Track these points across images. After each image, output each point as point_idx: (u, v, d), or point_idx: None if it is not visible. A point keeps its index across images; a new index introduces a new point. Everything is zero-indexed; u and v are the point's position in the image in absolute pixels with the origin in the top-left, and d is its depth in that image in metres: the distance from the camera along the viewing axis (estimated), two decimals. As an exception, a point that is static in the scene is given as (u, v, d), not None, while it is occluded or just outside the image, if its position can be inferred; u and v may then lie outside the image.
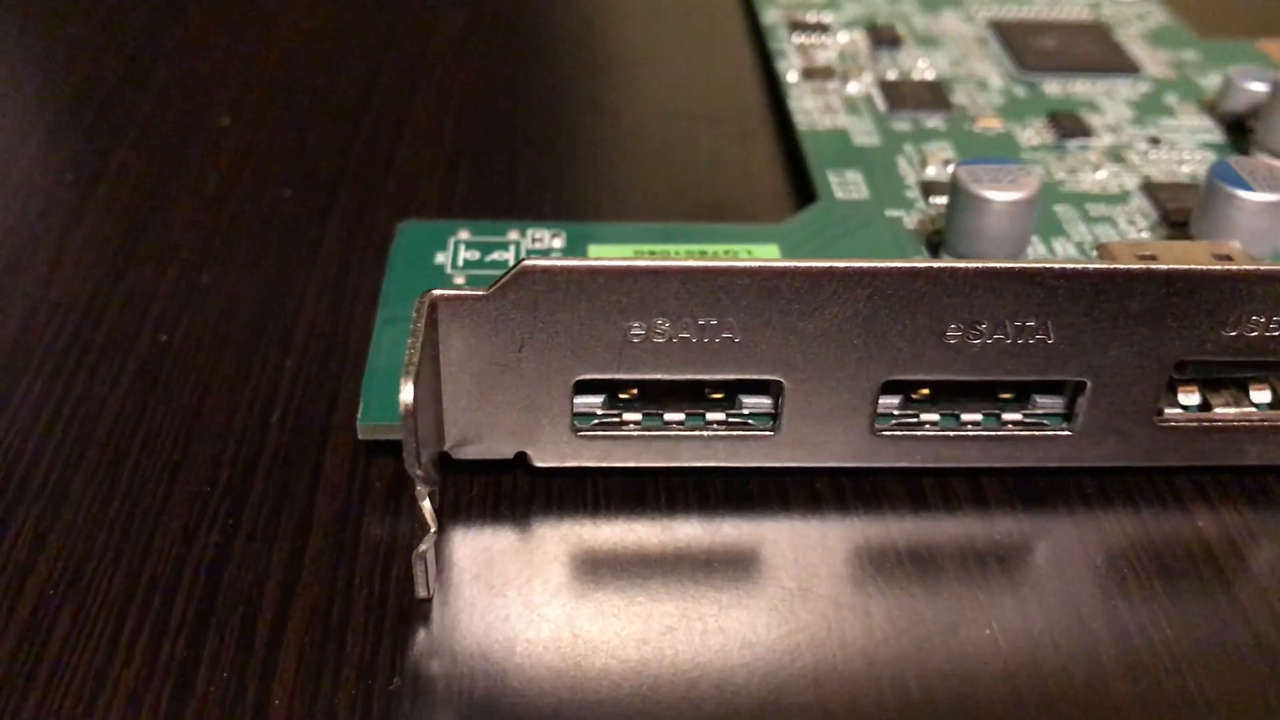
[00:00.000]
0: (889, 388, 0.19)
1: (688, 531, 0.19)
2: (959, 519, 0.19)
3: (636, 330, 0.18)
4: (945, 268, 0.18)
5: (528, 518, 0.19)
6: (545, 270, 0.17)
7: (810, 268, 0.18)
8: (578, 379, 0.18)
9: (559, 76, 0.31)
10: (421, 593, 0.18)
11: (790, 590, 0.18)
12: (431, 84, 0.30)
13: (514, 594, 0.18)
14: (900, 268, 0.18)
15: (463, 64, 0.31)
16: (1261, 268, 0.18)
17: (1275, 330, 0.19)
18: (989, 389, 0.20)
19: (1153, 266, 0.18)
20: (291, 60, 0.31)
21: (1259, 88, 0.27)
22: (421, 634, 0.17)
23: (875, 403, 0.19)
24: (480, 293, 0.17)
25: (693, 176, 0.27)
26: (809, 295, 0.18)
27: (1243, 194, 0.22)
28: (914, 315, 0.18)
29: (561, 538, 0.19)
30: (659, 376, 0.18)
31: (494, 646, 0.17)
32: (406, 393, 0.16)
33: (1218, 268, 0.18)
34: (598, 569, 0.18)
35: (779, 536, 0.19)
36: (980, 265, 0.18)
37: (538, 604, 0.18)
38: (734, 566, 0.19)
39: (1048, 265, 0.18)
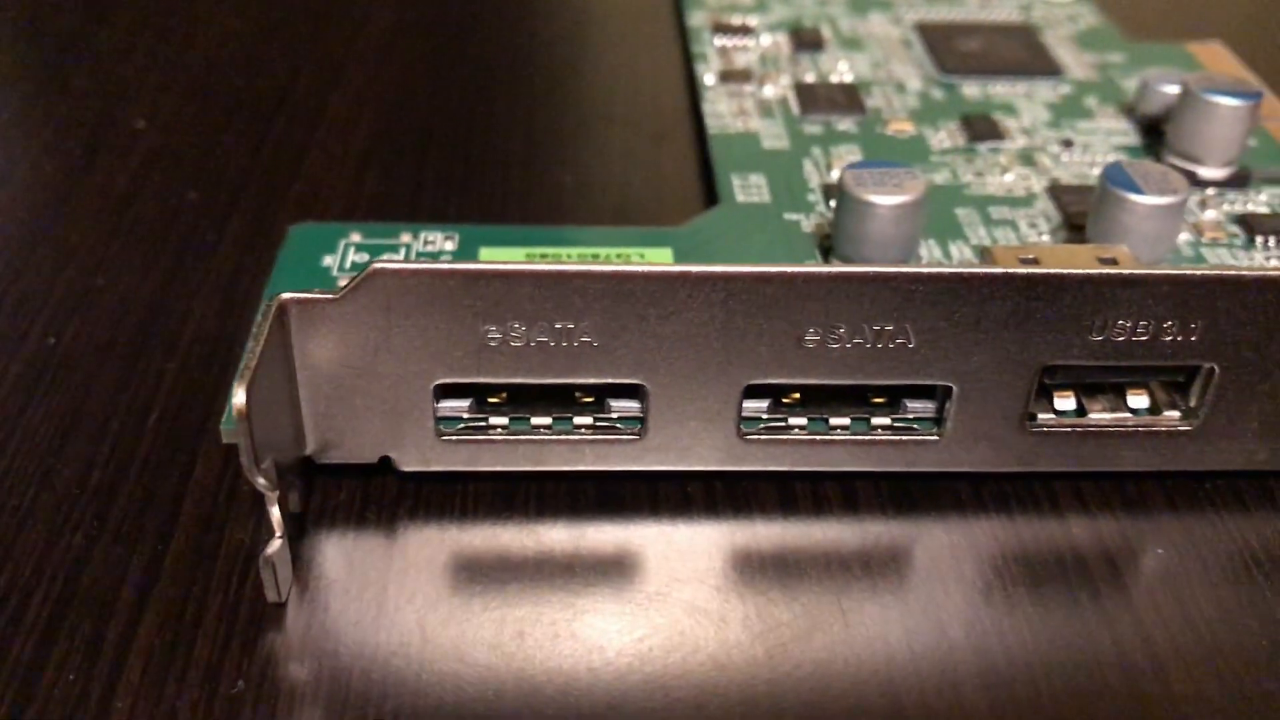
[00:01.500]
0: (756, 392, 0.19)
1: (554, 536, 0.19)
2: (828, 524, 0.19)
3: (493, 334, 0.18)
4: (798, 272, 0.18)
5: (394, 522, 0.19)
6: (395, 273, 0.17)
7: (662, 272, 0.17)
8: (438, 383, 0.18)
9: (480, 79, 0.31)
10: (272, 597, 0.18)
11: (649, 595, 0.18)
12: (350, 86, 0.30)
13: (370, 598, 0.18)
14: (752, 272, 0.17)
15: (385, 66, 0.31)
16: (1121, 271, 0.18)
17: (1143, 335, 0.18)
18: (862, 393, 0.20)
19: (1009, 270, 0.18)
20: (213, 62, 0.31)
21: (1172, 90, 0.27)
22: (271, 638, 0.17)
23: (740, 407, 0.19)
24: (331, 296, 0.17)
25: (602, 179, 0.27)
26: (663, 299, 0.18)
27: (1133, 197, 0.22)
28: (770, 319, 0.18)
29: (426, 542, 0.19)
30: (518, 381, 0.18)
31: (342, 651, 0.17)
32: (239, 397, 0.16)
33: (1075, 271, 0.18)
34: (458, 574, 0.18)
35: (646, 541, 0.19)
36: (833, 270, 0.18)
37: (392, 609, 0.18)
38: (597, 571, 0.18)
39: (901, 270, 0.18)
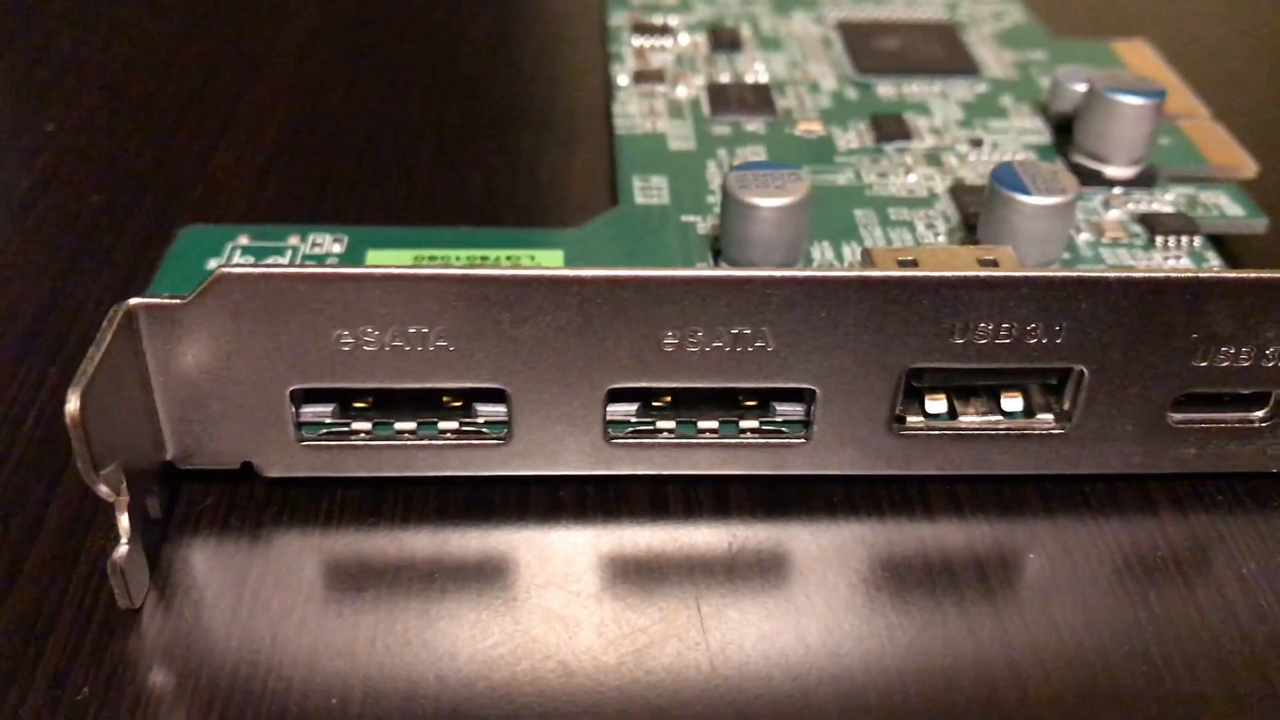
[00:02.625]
0: (623, 395, 0.19)
1: (419, 542, 0.19)
2: (697, 528, 0.19)
3: (345, 338, 0.18)
4: (651, 276, 0.17)
5: (258, 528, 0.19)
6: (242, 278, 0.17)
7: (514, 275, 0.17)
8: (294, 388, 0.18)
9: (398, 81, 0.31)
10: (123, 603, 0.17)
11: (507, 601, 0.18)
12: (265, 89, 0.30)
13: (226, 604, 0.18)
14: (605, 276, 0.17)
15: (302, 69, 0.31)
16: (978, 274, 0.18)
17: (1006, 338, 0.18)
18: (733, 396, 0.20)
19: (862, 273, 0.18)
20: (130, 64, 0.31)
21: (1081, 89, 0.27)
22: (121, 645, 0.17)
23: (604, 410, 0.19)
24: (178, 301, 0.17)
25: (510, 181, 0.27)
26: (518, 303, 0.17)
27: (1020, 198, 0.22)
28: (627, 323, 0.18)
29: (289, 548, 0.19)
30: (374, 386, 0.18)
31: (191, 657, 0.17)
32: (72, 403, 0.16)
33: (929, 274, 0.18)
34: (318, 580, 0.18)
35: (512, 546, 0.19)
36: (686, 273, 0.17)
37: (246, 615, 0.18)
38: (459, 577, 0.18)
39: (755, 273, 0.18)
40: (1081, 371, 0.19)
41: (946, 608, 0.18)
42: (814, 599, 0.18)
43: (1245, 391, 0.19)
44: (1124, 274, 0.18)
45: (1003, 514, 0.20)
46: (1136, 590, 0.19)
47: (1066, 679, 0.17)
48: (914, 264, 0.21)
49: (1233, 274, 0.18)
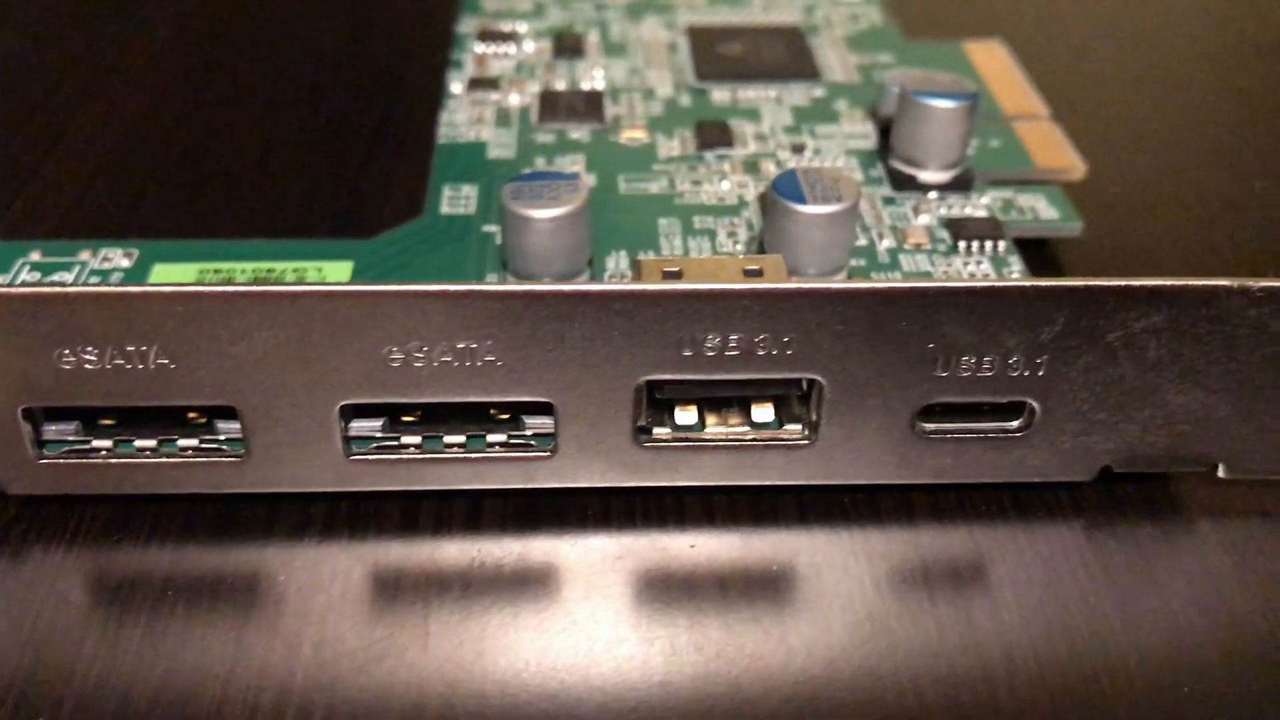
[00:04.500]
0: (367, 411, 0.19)
1: (161, 559, 0.19)
2: (445, 543, 0.19)
3: (67, 358, 0.18)
4: (365, 291, 0.17)
5: (3, 546, 0.19)
6: (-47, 299, 0.17)
7: (226, 292, 0.17)
8: (24, 407, 0.18)
9: (241, 93, 0.31)
10: None
11: (242, 617, 0.18)
12: (105, 102, 0.30)
13: (-46, 624, 0.18)
14: (319, 291, 0.17)
15: (147, 81, 0.31)
16: (696, 287, 0.18)
17: (735, 350, 0.18)
18: (485, 410, 0.19)
19: (583, 287, 0.17)
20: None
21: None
22: None
23: (340, 427, 0.19)
24: (-106, 322, 0.17)
25: (331, 190, 0.27)
26: (233, 320, 0.17)
27: (796, 206, 0.21)
28: (349, 339, 0.18)
29: (38, 565, 0.19)
30: (99, 404, 0.18)
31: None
32: None
33: (646, 287, 0.17)
34: (48, 600, 0.18)
35: (254, 564, 0.19)
36: (401, 288, 0.17)
37: (-26, 634, 0.18)
38: (191, 595, 0.18)
39: (473, 287, 0.17)
40: (820, 382, 0.19)
41: (679, 623, 0.18)
42: (547, 613, 0.18)
43: (999, 401, 0.19)
44: (849, 285, 0.18)
45: (755, 524, 0.20)
46: (880, 602, 0.18)
47: (781, 699, 0.17)
48: (679, 274, 0.21)
49: (962, 284, 0.18)
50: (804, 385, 0.19)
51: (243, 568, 0.19)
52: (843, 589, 0.19)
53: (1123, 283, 0.18)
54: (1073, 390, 0.19)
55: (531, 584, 0.19)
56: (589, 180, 0.26)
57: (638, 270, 0.21)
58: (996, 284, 0.18)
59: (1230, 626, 0.18)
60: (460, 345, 0.18)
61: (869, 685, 0.17)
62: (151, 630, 0.18)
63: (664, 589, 0.18)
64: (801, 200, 0.21)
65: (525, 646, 0.18)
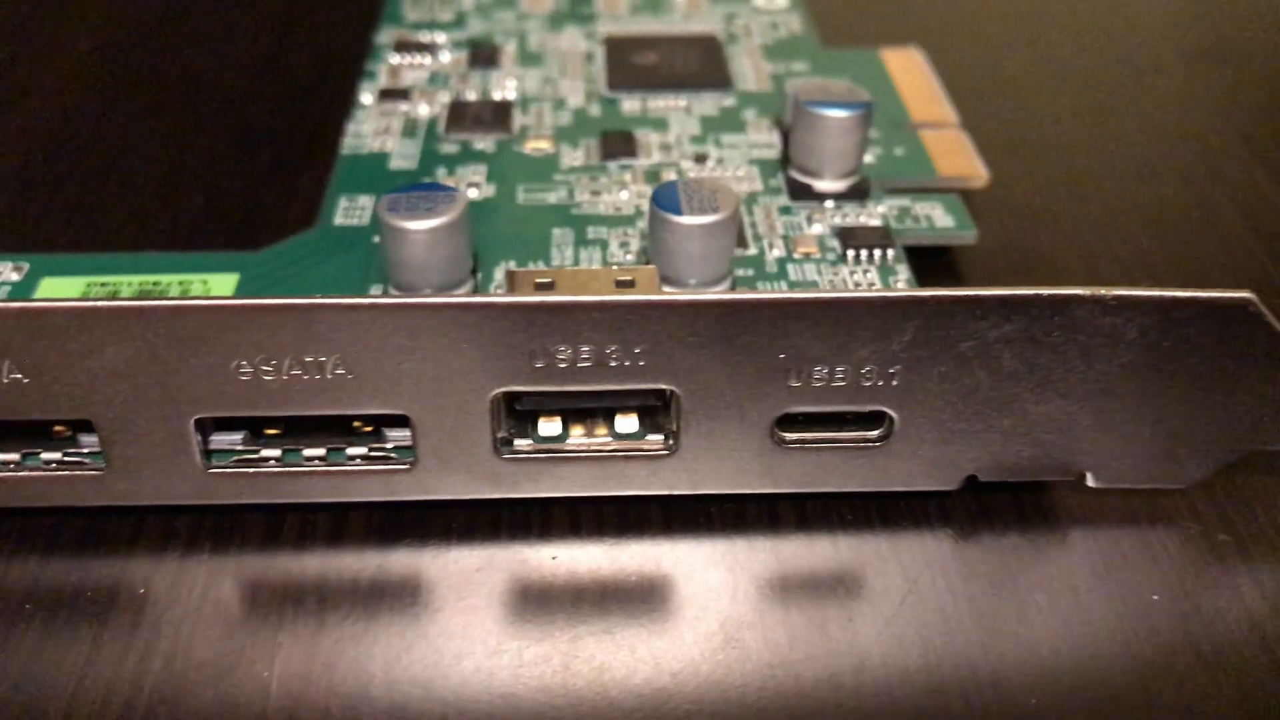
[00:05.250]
0: (230, 424, 0.19)
1: (14, 573, 0.19)
2: (307, 556, 0.19)
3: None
4: (209, 305, 0.17)
5: None
6: None
7: (71, 307, 0.17)
8: None
9: (160, 105, 0.31)
10: None
11: (84, 629, 0.18)
12: (24, 113, 0.30)
13: None
14: (164, 306, 0.17)
15: (65, 94, 0.31)
16: (543, 299, 0.18)
17: (587, 361, 0.18)
18: (348, 423, 0.20)
19: (429, 300, 0.18)
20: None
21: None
22: None
23: (197, 440, 0.19)
24: None
25: (234, 202, 0.27)
26: (82, 335, 0.17)
27: (671, 218, 0.21)
28: (195, 354, 0.18)
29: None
30: None
31: None
32: None
33: (494, 299, 0.18)
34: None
35: (118, 577, 0.19)
36: (243, 302, 0.17)
37: None
38: (47, 608, 0.18)
39: (315, 301, 0.17)
40: (674, 393, 0.19)
41: (528, 634, 0.18)
42: (396, 627, 0.18)
43: (856, 411, 0.19)
44: (696, 297, 0.18)
45: (619, 534, 0.20)
46: (734, 614, 0.18)
47: (638, 704, 0.17)
48: (551, 285, 0.21)
49: (810, 295, 0.18)
50: (665, 396, 0.19)
51: (104, 581, 0.19)
52: (699, 600, 0.19)
53: (972, 292, 0.18)
54: (929, 400, 0.19)
55: (388, 597, 0.19)
56: (488, 190, 0.26)
57: (511, 282, 0.21)
58: (844, 295, 0.18)
59: (1084, 637, 0.18)
60: (308, 359, 0.18)
61: (713, 698, 0.17)
62: (5, 644, 0.18)
63: (520, 602, 0.19)
64: (678, 211, 0.21)
65: (374, 660, 0.18)
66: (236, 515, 0.20)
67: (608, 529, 0.20)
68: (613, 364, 0.18)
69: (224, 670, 0.17)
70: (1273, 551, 0.20)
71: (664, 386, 0.18)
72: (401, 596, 0.19)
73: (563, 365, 0.18)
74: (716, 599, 0.19)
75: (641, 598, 0.19)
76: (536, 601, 0.18)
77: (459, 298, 0.18)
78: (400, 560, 0.19)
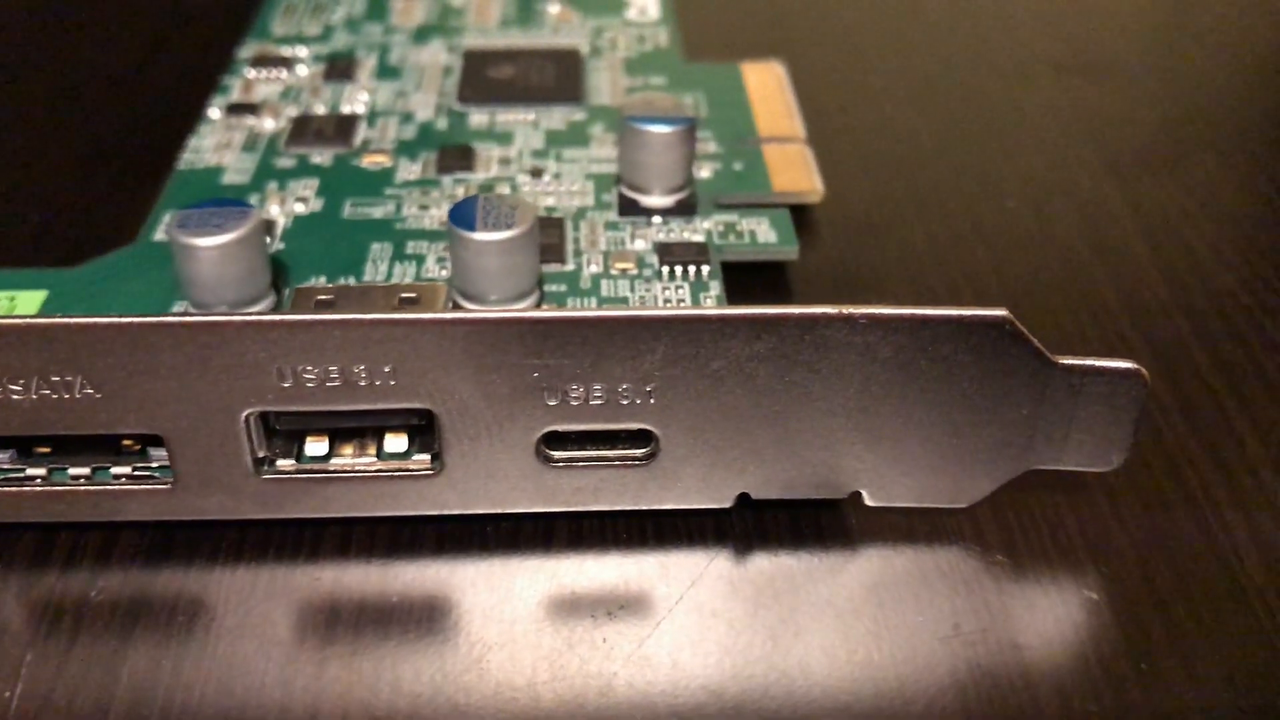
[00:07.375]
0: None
1: None
2: (72, 575, 0.19)
3: None
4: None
5: None
6: None
7: None
8: None
9: (17, 116, 0.31)
10: None
11: None
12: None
13: None
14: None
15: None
16: (285, 318, 0.17)
17: (336, 380, 0.18)
18: (116, 441, 0.19)
19: (160, 319, 0.17)
20: None
21: (633, 117, 0.26)
22: None
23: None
24: None
25: (69, 218, 0.27)
26: None
27: (464, 234, 0.21)
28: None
29: None
30: None
31: None
32: None
33: (239, 318, 0.17)
34: None
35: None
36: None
37: None
38: None
39: (55, 321, 0.17)
40: (432, 413, 0.18)
41: (275, 657, 0.18)
42: (150, 647, 0.18)
43: (618, 429, 0.19)
44: (439, 315, 0.18)
45: (387, 555, 0.19)
46: (484, 635, 0.18)
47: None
48: (332, 303, 0.21)
49: (558, 314, 0.18)
50: (429, 416, 0.19)
51: None
52: (452, 621, 0.18)
53: (719, 312, 0.18)
54: (690, 418, 0.19)
55: (142, 618, 0.18)
56: (316, 205, 0.26)
57: (293, 299, 0.21)
58: (589, 314, 0.18)
59: (839, 660, 0.18)
60: (55, 378, 0.18)
61: (439, 720, 0.17)
62: None
63: (268, 625, 0.18)
64: (473, 227, 0.21)
65: (119, 684, 0.17)
66: (12, 532, 0.20)
67: (378, 549, 0.20)
68: (362, 383, 0.18)
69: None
70: (1048, 572, 0.19)
71: (419, 406, 0.18)
72: (157, 617, 0.18)
73: (310, 385, 0.18)
74: (478, 621, 0.18)
75: (400, 619, 0.18)
76: (295, 625, 0.18)
77: (194, 317, 0.17)
78: (163, 581, 0.19)
